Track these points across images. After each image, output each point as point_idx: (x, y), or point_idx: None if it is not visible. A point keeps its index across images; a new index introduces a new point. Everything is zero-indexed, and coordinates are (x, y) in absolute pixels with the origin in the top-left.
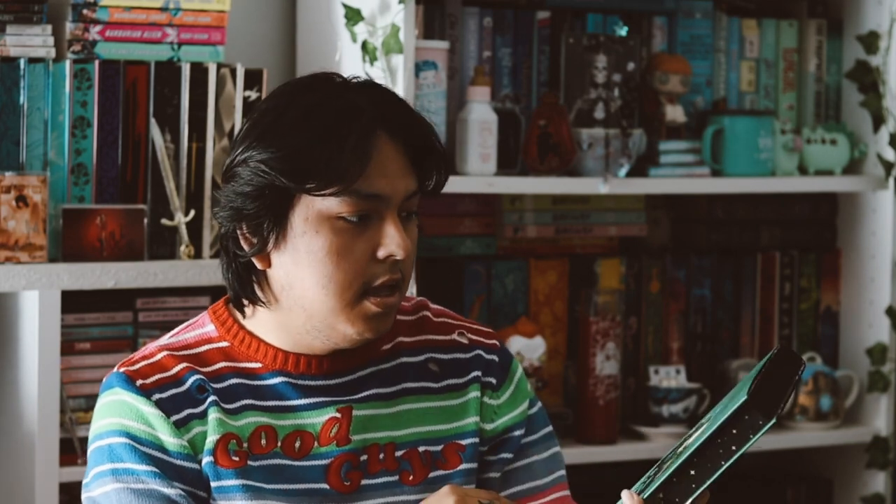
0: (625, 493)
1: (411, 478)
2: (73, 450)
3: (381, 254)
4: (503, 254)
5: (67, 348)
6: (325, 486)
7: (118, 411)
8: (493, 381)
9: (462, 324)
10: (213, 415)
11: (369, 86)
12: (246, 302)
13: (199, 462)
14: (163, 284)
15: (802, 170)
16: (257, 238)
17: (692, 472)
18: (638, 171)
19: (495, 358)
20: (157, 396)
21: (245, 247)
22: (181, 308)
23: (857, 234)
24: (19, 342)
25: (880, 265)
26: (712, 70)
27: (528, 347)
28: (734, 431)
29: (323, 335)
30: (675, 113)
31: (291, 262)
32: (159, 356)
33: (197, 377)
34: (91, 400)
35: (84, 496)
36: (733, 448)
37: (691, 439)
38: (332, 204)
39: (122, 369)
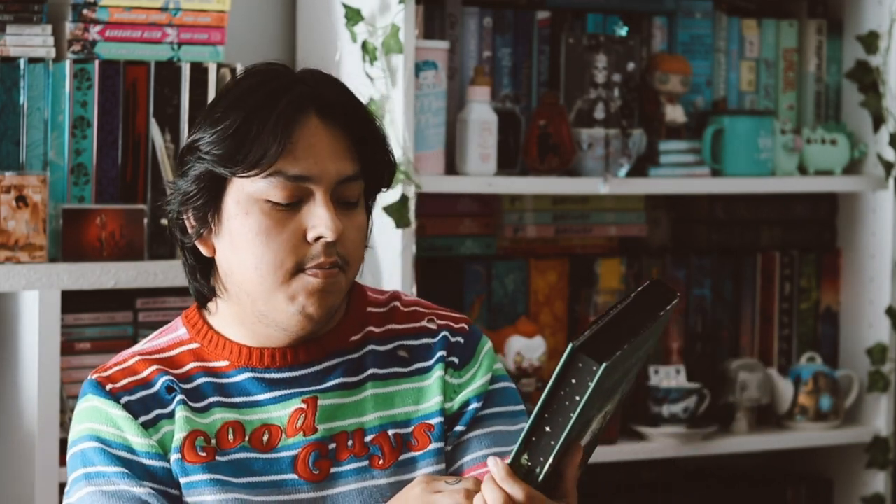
0: (490, 460)
1: (381, 462)
2: None
3: (310, 235)
4: (503, 254)
5: (67, 348)
6: (294, 476)
7: (89, 416)
8: (457, 360)
9: (433, 311)
10: (180, 413)
11: (311, 71)
12: (206, 295)
13: (169, 460)
14: (163, 284)
15: (802, 170)
16: (199, 223)
17: (547, 429)
18: (638, 171)
19: (461, 339)
20: (125, 399)
21: (190, 233)
22: (181, 308)
23: (857, 234)
24: (19, 342)
25: (880, 265)
26: (712, 70)
27: (528, 347)
28: (573, 381)
29: (271, 320)
30: (675, 113)
31: (229, 247)
32: (131, 361)
33: (166, 378)
34: None
35: (64, 503)
36: (577, 399)
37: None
38: (260, 186)
39: (94, 376)
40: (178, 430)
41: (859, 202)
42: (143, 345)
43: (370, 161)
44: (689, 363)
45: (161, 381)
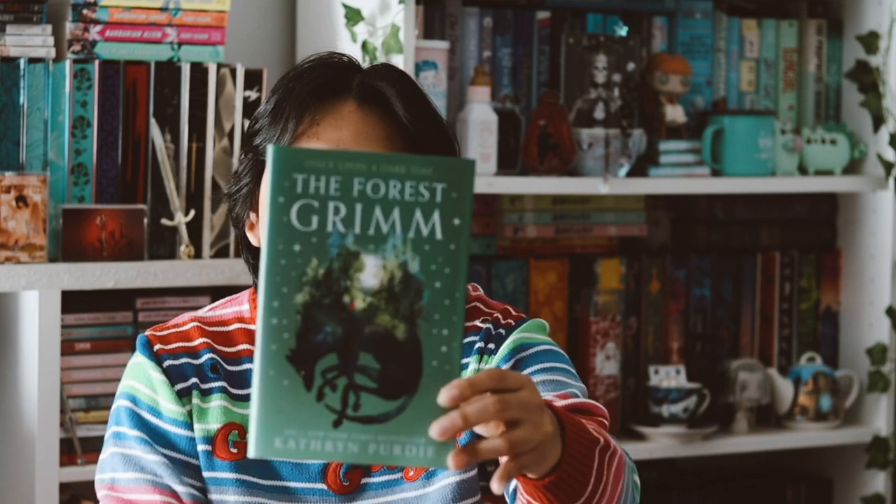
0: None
1: (411, 473)
2: (73, 450)
3: None
4: (503, 254)
5: (67, 348)
6: (322, 485)
7: (132, 374)
8: (493, 346)
9: (489, 311)
10: (217, 402)
11: (381, 65)
12: None
13: (193, 430)
14: (163, 284)
15: (802, 170)
16: (242, 209)
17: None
18: (638, 171)
19: (503, 331)
20: (168, 363)
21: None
22: (181, 308)
23: (857, 234)
24: (19, 342)
25: (880, 265)
26: (712, 70)
27: None
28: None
29: None
30: (675, 113)
31: (261, 233)
32: (187, 326)
33: (211, 356)
34: (91, 400)
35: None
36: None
37: None
38: None
39: (148, 333)
40: (213, 419)
41: (859, 202)
42: (207, 311)
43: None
44: (689, 363)
45: (206, 357)
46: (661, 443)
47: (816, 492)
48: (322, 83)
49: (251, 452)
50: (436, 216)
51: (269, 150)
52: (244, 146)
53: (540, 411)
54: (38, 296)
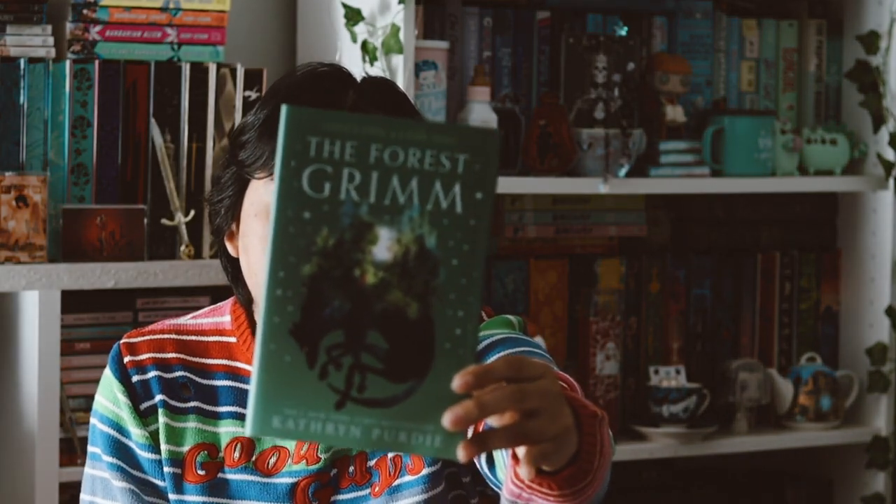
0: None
1: (377, 489)
2: (73, 450)
3: None
4: (503, 254)
5: (67, 348)
6: None
7: (102, 389)
8: None
9: None
10: (192, 423)
11: (371, 79)
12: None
13: (160, 452)
14: (163, 284)
15: (802, 170)
16: (222, 219)
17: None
18: (638, 171)
19: None
20: (136, 378)
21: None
22: (181, 308)
23: (857, 234)
24: (19, 342)
25: (880, 265)
26: (712, 70)
27: None
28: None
29: None
30: (675, 113)
31: (242, 248)
32: (163, 336)
33: (183, 374)
34: (91, 400)
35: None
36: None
37: None
38: (268, 189)
39: (123, 340)
40: (185, 440)
41: (859, 202)
42: (189, 319)
43: None
44: (689, 363)
45: (178, 374)
46: (660, 443)
47: (816, 492)
48: (316, 104)
49: (248, 430)
50: (457, 189)
51: (283, 111)
52: (228, 155)
53: (559, 402)
54: (38, 296)
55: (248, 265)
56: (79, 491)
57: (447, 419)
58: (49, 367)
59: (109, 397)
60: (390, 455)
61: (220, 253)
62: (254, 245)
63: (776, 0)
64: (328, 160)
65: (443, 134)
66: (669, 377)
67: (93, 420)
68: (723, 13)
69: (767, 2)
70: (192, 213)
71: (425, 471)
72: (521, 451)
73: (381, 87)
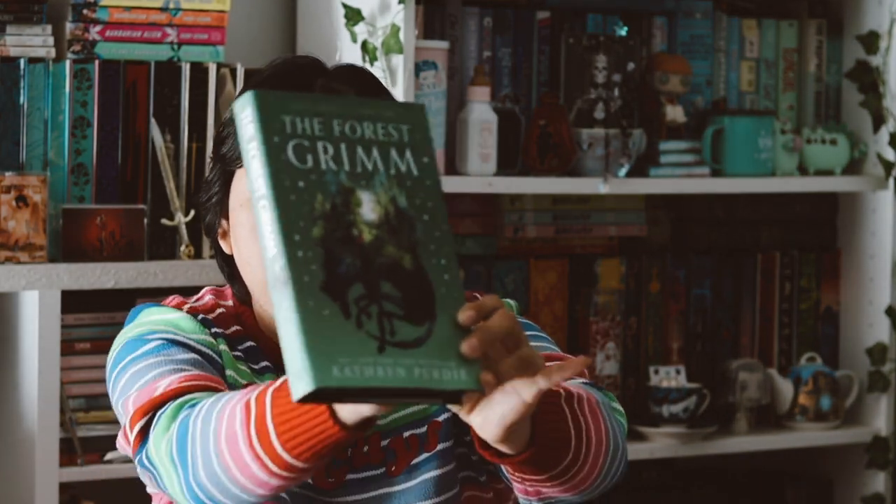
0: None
1: (394, 468)
2: (73, 450)
3: None
4: (503, 254)
5: (67, 348)
6: (308, 480)
7: (148, 324)
8: None
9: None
10: (242, 365)
11: (347, 66)
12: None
13: (223, 360)
14: (163, 284)
15: (802, 170)
16: (213, 216)
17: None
18: (638, 171)
19: None
20: (201, 316)
21: (207, 227)
22: None
23: (857, 234)
24: (19, 342)
25: (880, 265)
26: (712, 70)
27: None
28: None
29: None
30: (675, 113)
31: (234, 243)
32: (207, 298)
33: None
34: (91, 400)
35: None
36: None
37: None
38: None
39: (164, 303)
40: (242, 376)
41: (859, 202)
42: (194, 303)
43: None
44: (689, 363)
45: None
46: (661, 443)
47: (816, 492)
48: (285, 88)
49: (310, 384)
50: (408, 155)
51: (250, 96)
52: (213, 154)
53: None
54: (38, 296)
55: (241, 256)
56: (79, 491)
57: (465, 347)
58: (49, 368)
59: (161, 324)
60: (405, 434)
61: (216, 252)
62: (244, 236)
63: (776, 0)
64: (303, 135)
65: (384, 109)
66: (669, 377)
67: (133, 333)
68: (723, 13)
69: (767, 2)
70: (192, 213)
71: (440, 446)
72: (476, 421)
73: (349, 71)
